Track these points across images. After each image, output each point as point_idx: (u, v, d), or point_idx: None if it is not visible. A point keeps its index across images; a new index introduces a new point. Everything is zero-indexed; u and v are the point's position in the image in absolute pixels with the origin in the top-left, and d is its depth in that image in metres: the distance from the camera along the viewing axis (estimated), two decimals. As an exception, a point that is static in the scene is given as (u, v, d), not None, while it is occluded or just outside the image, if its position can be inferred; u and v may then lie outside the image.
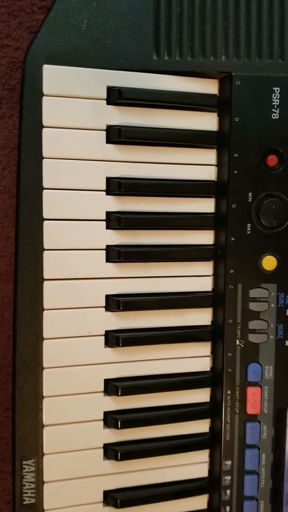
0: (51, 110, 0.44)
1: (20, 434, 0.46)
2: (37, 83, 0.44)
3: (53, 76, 0.44)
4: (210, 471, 0.50)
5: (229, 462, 0.49)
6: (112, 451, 0.47)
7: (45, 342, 0.45)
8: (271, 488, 0.49)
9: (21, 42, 0.49)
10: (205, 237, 0.49)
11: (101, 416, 0.47)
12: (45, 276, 0.45)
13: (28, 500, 0.46)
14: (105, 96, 0.45)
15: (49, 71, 0.44)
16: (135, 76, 0.46)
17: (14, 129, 0.50)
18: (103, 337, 0.47)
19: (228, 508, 0.49)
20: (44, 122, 0.44)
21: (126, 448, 0.47)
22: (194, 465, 0.50)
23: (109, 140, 0.46)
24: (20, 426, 0.46)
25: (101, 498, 0.48)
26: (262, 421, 0.49)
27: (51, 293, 0.45)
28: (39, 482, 0.46)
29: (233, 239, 0.47)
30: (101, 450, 0.47)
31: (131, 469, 0.48)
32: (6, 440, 0.52)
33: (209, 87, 0.48)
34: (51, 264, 0.45)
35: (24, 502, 0.46)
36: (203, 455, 0.50)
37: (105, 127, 0.45)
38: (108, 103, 0.45)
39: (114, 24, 0.45)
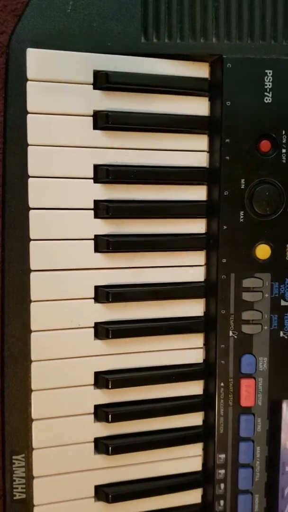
0: (36, 96, 0.43)
1: (9, 428, 0.45)
2: (21, 68, 0.43)
3: (38, 60, 0.43)
4: (203, 465, 0.50)
5: (223, 456, 0.48)
6: (103, 445, 0.46)
7: (33, 335, 0.44)
8: (265, 482, 0.49)
9: (6, 26, 0.48)
10: (197, 226, 0.48)
11: (92, 410, 0.46)
12: (32, 267, 0.44)
13: (19, 496, 0.46)
14: (91, 80, 0.44)
15: (33, 55, 0.43)
16: (122, 60, 0.44)
17: None
18: (92, 329, 0.46)
19: (222, 502, 0.48)
20: (29, 108, 0.43)
21: (117, 442, 0.47)
22: (188, 458, 0.49)
23: (96, 126, 0.44)
24: (9, 420, 0.45)
25: (92, 493, 0.47)
26: (257, 413, 0.48)
27: (38, 285, 0.44)
28: (29, 477, 0.46)
29: (225, 227, 0.46)
30: (92, 444, 0.46)
31: (122, 463, 0.47)
32: (-4, 434, 0.51)
33: (199, 70, 0.46)
34: (38, 255, 0.44)
35: (15, 498, 0.46)
36: (196, 449, 0.49)
37: (92, 113, 0.44)
38: (94, 88, 0.44)
39: (101, 5, 0.44)
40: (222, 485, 0.48)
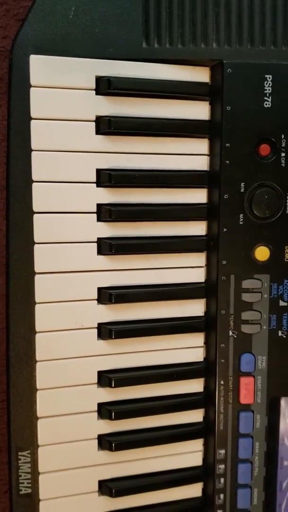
0: (39, 102, 0.43)
1: (15, 426, 0.46)
2: (24, 74, 0.43)
3: (41, 67, 0.43)
4: (204, 460, 0.51)
5: (222, 451, 0.49)
6: (106, 442, 0.48)
7: (37, 336, 0.45)
8: (264, 476, 0.50)
9: (8, 30, 0.48)
10: (198, 228, 0.48)
11: (95, 408, 0.47)
12: (36, 269, 0.45)
13: (25, 490, 0.47)
14: (94, 86, 0.44)
15: (36, 61, 0.43)
16: (124, 65, 0.45)
17: (3, 120, 0.49)
18: (95, 330, 0.47)
19: (222, 496, 0.50)
20: (32, 114, 0.43)
21: (120, 438, 0.48)
22: (189, 454, 0.50)
23: (98, 131, 0.45)
24: (15, 418, 0.46)
25: (96, 487, 0.48)
26: (256, 410, 0.49)
27: (42, 287, 0.45)
28: (35, 473, 0.47)
29: (225, 230, 0.47)
30: (96, 441, 0.48)
31: (125, 459, 0.49)
32: (2, 431, 0.52)
33: (200, 75, 0.47)
34: (42, 258, 0.45)
35: (21, 492, 0.47)
36: (197, 444, 0.50)
37: (94, 118, 0.45)
38: (97, 93, 0.45)
39: (102, 11, 0.44)
40: (222, 480, 0.50)
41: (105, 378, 0.47)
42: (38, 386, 0.46)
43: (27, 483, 0.47)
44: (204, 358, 0.50)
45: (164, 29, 0.45)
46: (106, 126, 0.44)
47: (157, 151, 0.46)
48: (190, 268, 0.49)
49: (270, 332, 0.48)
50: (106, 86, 0.44)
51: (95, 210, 0.46)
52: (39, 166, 0.44)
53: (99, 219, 0.46)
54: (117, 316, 0.47)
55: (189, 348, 0.49)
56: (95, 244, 0.46)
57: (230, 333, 0.48)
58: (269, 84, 0.46)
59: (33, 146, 0.44)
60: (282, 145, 0.46)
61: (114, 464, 0.48)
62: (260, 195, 0.47)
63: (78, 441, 0.47)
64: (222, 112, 0.46)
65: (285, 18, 0.46)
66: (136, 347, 0.48)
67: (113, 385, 0.46)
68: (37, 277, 0.45)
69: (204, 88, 0.47)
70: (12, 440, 0.46)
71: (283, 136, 0.46)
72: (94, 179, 0.45)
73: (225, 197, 0.47)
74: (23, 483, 0.47)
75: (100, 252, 0.46)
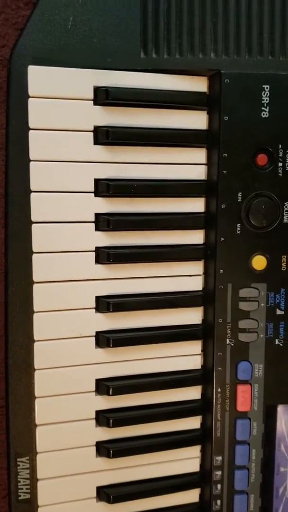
0: (38, 112, 0.44)
1: (14, 432, 0.46)
2: (23, 84, 0.44)
3: (39, 77, 0.43)
4: (201, 466, 0.51)
5: (219, 458, 0.50)
6: (104, 449, 0.48)
7: (35, 344, 0.46)
8: (261, 482, 0.50)
9: (7, 39, 0.48)
10: (195, 237, 0.49)
11: (93, 415, 0.48)
12: (35, 279, 0.45)
13: (23, 496, 0.47)
14: (91, 96, 0.45)
15: (34, 72, 0.43)
16: (122, 76, 0.45)
17: (1, 128, 0.49)
18: (93, 338, 0.47)
19: (219, 501, 0.50)
20: (31, 124, 0.44)
21: (118, 445, 0.48)
22: (186, 460, 0.51)
23: (96, 141, 0.45)
24: (14, 424, 0.46)
25: (94, 494, 0.49)
26: (252, 418, 0.49)
27: (41, 296, 0.45)
28: (34, 479, 0.47)
29: (222, 239, 0.47)
30: (94, 448, 0.48)
31: (123, 466, 0.49)
32: (1, 437, 0.53)
33: (198, 85, 0.47)
34: (40, 267, 0.45)
35: (20, 498, 0.48)
36: (194, 451, 0.51)
37: (92, 128, 0.45)
38: (95, 104, 0.45)
39: (100, 21, 0.44)
40: (219, 486, 0.50)
41: (103, 386, 0.47)
42: (36, 394, 0.46)
43: (26, 488, 0.47)
44: (202, 366, 0.50)
45: (162, 39, 0.45)
46: (104, 136, 0.45)
47: (155, 160, 0.47)
48: (188, 277, 0.49)
49: (267, 340, 0.49)
50: (104, 96, 0.44)
51: (93, 219, 0.46)
52: (38, 175, 0.44)
53: (97, 229, 0.46)
54: (115, 325, 0.47)
55: (187, 356, 0.50)
56: (93, 253, 0.46)
57: (227, 341, 0.48)
58: (267, 94, 0.46)
59: (31, 156, 0.44)
60: (280, 155, 0.47)
61: (112, 470, 0.49)
62: (257, 205, 0.47)
63: (76, 448, 0.48)
64: (219, 122, 0.46)
65: (283, 28, 0.46)
66: (133, 355, 0.48)
67: (111, 393, 0.47)
68: (35, 286, 0.45)
69: (201, 98, 0.47)
70: (11, 446, 0.47)
71: (280, 146, 0.46)
72: (92, 189, 0.46)
73: (222, 207, 0.47)
74: (21, 488, 0.47)
75: (98, 261, 0.46)
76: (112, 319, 0.47)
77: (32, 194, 0.44)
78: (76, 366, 0.47)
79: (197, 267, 0.49)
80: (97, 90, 0.45)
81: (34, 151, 0.44)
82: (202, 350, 0.50)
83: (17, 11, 0.48)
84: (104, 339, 0.47)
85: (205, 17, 0.45)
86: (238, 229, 0.47)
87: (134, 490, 0.49)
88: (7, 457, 0.47)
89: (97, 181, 0.46)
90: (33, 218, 0.45)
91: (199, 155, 0.48)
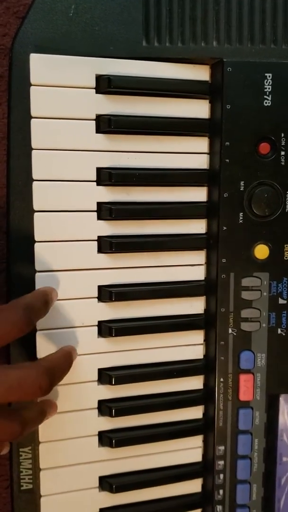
0: (39, 101, 0.44)
1: (16, 422, 0.46)
2: (24, 72, 0.43)
3: (41, 65, 0.43)
4: (204, 456, 0.51)
5: (222, 447, 0.50)
6: (107, 438, 0.48)
7: (38, 333, 0.45)
8: (263, 472, 0.50)
9: (8, 28, 0.48)
10: (198, 226, 0.49)
11: (96, 405, 0.48)
12: (37, 268, 0.45)
13: (26, 486, 0.47)
14: (94, 85, 0.44)
15: (36, 60, 0.43)
16: (124, 64, 0.45)
17: (3, 118, 0.49)
18: (96, 328, 0.47)
19: (221, 491, 0.50)
20: (33, 113, 0.44)
21: (120, 435, 0.48)
22: (188, 450, 0.51)
23: (99, 130, 0.45)
24: (16, 414, 0.46)
25: (96, 483, 0.49)
26: (255, 407, 0.49)
27: (43, 285, 0.45)
28: (36, 469, 0.47)
29: (225, 228, 0.47)
30: (96, 438, 0.48)
31: (126, 455, 0.49)
32: (3, 427, 0.53)
33: (200, 73, 0.47)
34: (42, 256, 0.45)
35: (22, 488, 0.48)
36: (197, 441, 0.51)
37: (94, 117, 0.45)
38: (97, 92, 0.45)
39: (103, 9, 0.44)
40: (222, 475, 0.50)
41: (106, 376, 0.47)
42: (38, 384, 0.46)
43: (28, 479, 0.47)
44: (204, 356, 0.50)
45: (164, 28, 0.45)
46: (106, 124, 0.44)
47: (157, 149, 0.47)
48: (190, 266, 0.49)
49: (269, 329, 0.49)
50: (106, 85, 0.44)
51: (95, 208, 0.46)
52: (39, 164, 0.44)
53: (99, 218, 0.46)
54: (117, 314, 0.47)
55: (189, 346, 0.49)
56: (96, 242, 0.46)
57: (230, 330, 0.48)
58: (269, 82, 0.46)
59: (33, 145, 0.44)
60: (282, 144, 0.46)
61: (114, 460, 0.49)
62: (259, 194, 0.47)
63: (79, 437, 0.48)
64: (222, 110, 0.46)
65: (286, 17, 0.46)
66: (136, 345, 0.48)
67: (113, 383, 0.47)
68: (37, 275, 0.45)
69: (204, 86, 0.47)
70: (13, 437, 0.47)
71: (282, 135, 0.46)
72: (94, 178, 0.45)
73: (225, 196, 0.47)
74: (24, 478, 0.47)
75: (100, 250, 0.46)
76: (115, 309, 0.47)
77: (34, 183, 0.44)
78: (79, 356, 0.46)
79: (199, 256, 0.49)
80: (99, 78, 0.44)
81: (36, 140, 0.44)
82: (204, 340, 0.50)
83: (19, 0, 0.48)
84: (107, 329, 0.47)
85: (207, 6, 0.45)
86: (241, 218, 0.47)
87: (136, 480, 0.49)
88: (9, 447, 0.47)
89: (99, 170, 0.45)
90: (35, 207, 0.44)
91: (202, 144, 0.48)
